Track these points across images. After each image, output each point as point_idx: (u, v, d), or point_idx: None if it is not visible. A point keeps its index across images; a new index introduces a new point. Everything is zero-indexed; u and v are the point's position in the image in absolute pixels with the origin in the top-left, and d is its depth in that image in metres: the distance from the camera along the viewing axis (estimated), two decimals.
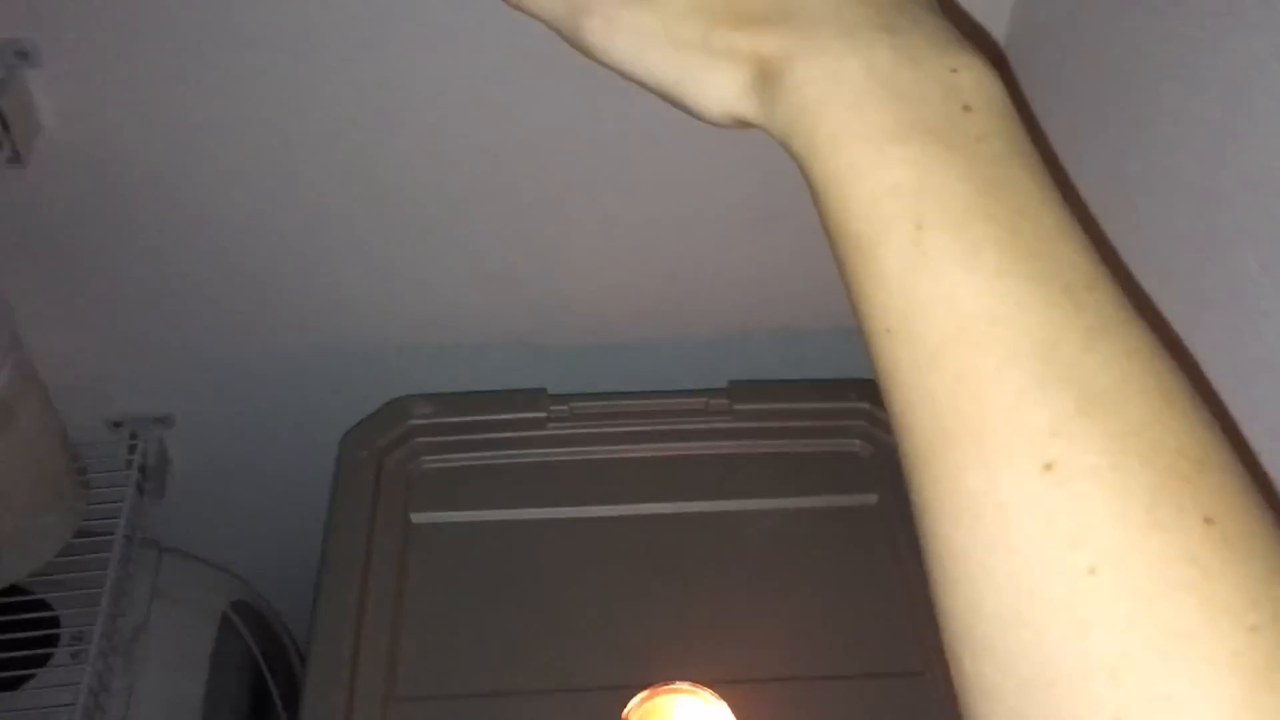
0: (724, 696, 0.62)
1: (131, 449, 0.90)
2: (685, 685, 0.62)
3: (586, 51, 0.32)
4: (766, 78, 0.29)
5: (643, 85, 0.32)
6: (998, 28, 0.69)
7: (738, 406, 0.83)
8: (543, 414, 0.82)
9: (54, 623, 0.85)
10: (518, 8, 0.33)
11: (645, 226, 0.82)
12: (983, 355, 0.25)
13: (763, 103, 0.29)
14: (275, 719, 0.97)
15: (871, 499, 0.79)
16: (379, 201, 0.78)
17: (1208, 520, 0.23)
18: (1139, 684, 0.22)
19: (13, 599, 0.84)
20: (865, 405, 0.83)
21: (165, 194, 0.76)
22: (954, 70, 0.28)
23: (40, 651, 0.81)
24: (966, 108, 0.28)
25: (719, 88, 0.30)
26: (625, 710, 0.61)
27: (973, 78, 0.28)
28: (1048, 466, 0.24)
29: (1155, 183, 0.53)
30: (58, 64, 0.67)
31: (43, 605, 0.86)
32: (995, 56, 0.70)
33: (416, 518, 0.77)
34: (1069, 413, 0.24)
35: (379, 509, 0.77)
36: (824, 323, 0.88)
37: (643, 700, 0.61)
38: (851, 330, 0.92)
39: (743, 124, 0.31)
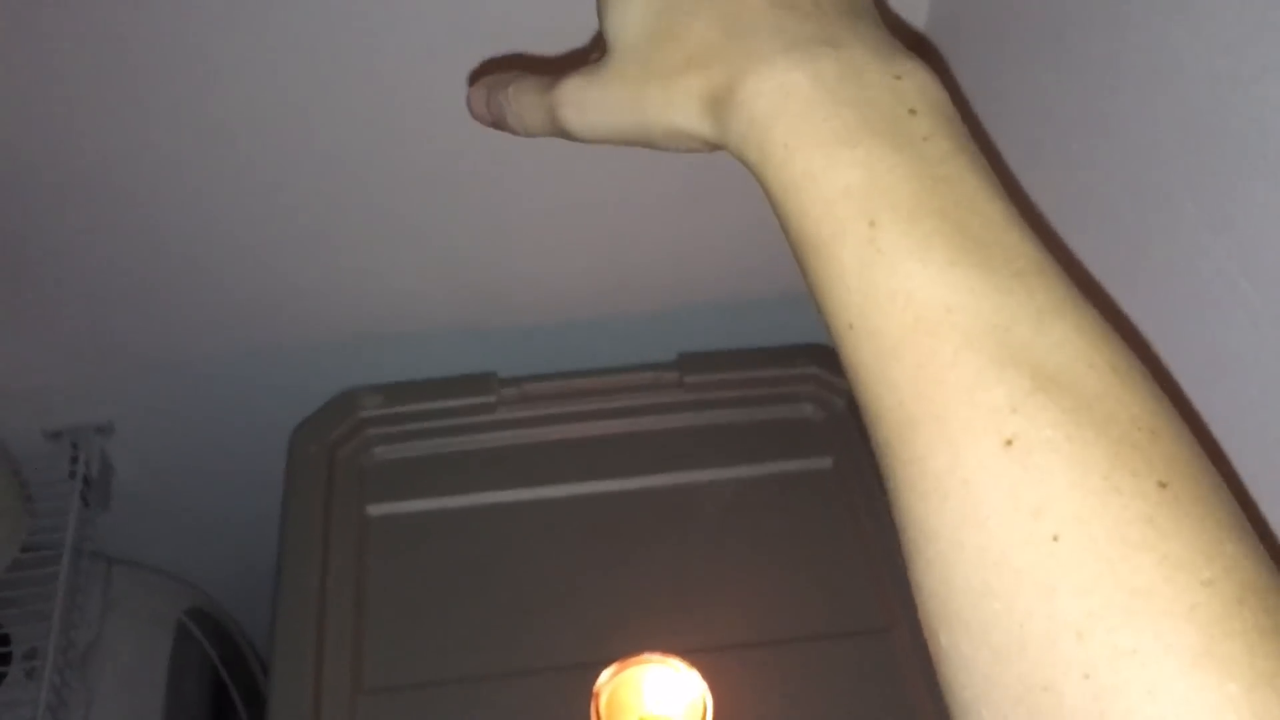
0: (694, 665, 0.62)
1: (73, 460, 0.88)
2: (655, 656, 0.62)
3: (571, 136, 0.36)
4: (720, 101, 0.30)
5: (623, 144, 0.35)
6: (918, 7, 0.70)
7: (688, 379, 0.83)
8: (493, 398, 0.81)
9: (4, 640, 0.83)
10: (516, 131, 0.39)
11: (587, 203, 0.81)
12: (940, 342, 0.26)
13: (719, 123, 0.31)
14: None
15: (826, 462, 0.79)
16: (317, 192, 0.77)
17: (1161, 484, 0.24)
18: (1104, 641, 0.23)
19: None
20: (815, 370, 0.83)
21: (96, 191, 0.74)
22: (898, 77, 0.30)
23: None
24: (911, 111, 0.29)
25: (680, 123, 0.32)
26: (596, 685, 0.61)
27: (915, 83, 0.30)
28: (1008, 442, 0.25)
29: (1089, 131, 0.54)
30: None
31: None
32: (916, 38, 0.71)
33: (372, 510, 0.77)
34: (1025, 390, 0.25)
35: (333, 503, 0.76)
36: (770, 291, 0.89)
37: (613, 674, 0.61)
38: (798, 297, 0.92)
39: (711, 146, 0.32)
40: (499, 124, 0.39)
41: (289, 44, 0.68)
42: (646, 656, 0.62)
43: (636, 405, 0.82)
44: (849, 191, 0.28)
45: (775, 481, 0.79)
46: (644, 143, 0.34)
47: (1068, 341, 0.26)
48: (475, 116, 0.40)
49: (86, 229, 0.76)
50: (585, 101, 0.34)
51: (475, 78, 0.42)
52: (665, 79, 0.32)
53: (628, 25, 0.33)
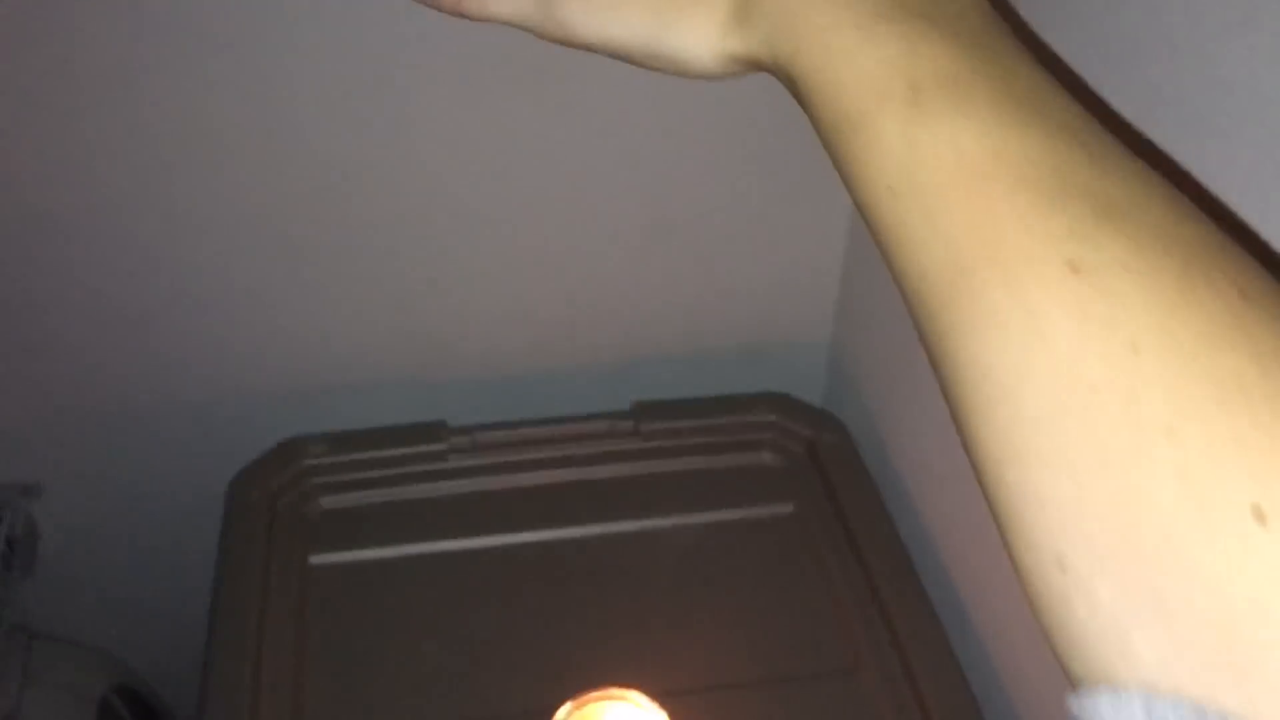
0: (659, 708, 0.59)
1: None
2: (616, 691, 0.58)
3: (564, 33, 0.33)
4: (746, 3, 0.30)
5: (623, 54, 0.32)
6: None
7: (644, 427, 0.81)
8: (444, 446, 0.79)
9: None
10: (483, 18, 0.34)
11: (537, 251, 0.80)
12: (993, 184, 0.25)
13: (745, 27, 0.30)
14: None
15: (787, 508, 0.77)
16: (258, 235, 0.75)
17: (1242, 293, 0.23)
18: (1199, 435, 0.21)
19: None
20: (773, 418, 0.82)
21: (30, 233, 0.72)
22: None
23: None
24: None
25: (701, 29, 0.31)
26: None
27: None
28: (1073, 267, 0.23)
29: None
30: None
31: None
32: None
33: (315, 559, 0.73)
34: (1087, 218, 0.24)
35: (274, 552, 0.72)
36: (725, 340, 0.88)
37: (571, 710, 0.57)
38: (754, 348, 0.91)
39: (730, 64, 0.31)
40: (440, 2, 0.35)
41: (234, 87, 0.68)
42: (609, 692, 0.58)
43: (592, 453, 0.79)
44: (889, 60, 0.27)
45: (736, 527, 0.76)
46: (645, 53, 0.32)
47: (1124, 181, 0.25)
48: None
49: (21, 273, 0.74)
50: None
51: None
52: None
53: None
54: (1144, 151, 0.28)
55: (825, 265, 0.87)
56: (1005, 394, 0.23)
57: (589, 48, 0.33)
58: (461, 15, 0.35)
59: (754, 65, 0.31)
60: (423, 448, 0.78)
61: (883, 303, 0.82)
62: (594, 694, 0.58)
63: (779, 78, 0.31)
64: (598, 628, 0.70)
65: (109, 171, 0.70)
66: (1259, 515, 0.20)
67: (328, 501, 0.76)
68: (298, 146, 0.72)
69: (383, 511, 0.76)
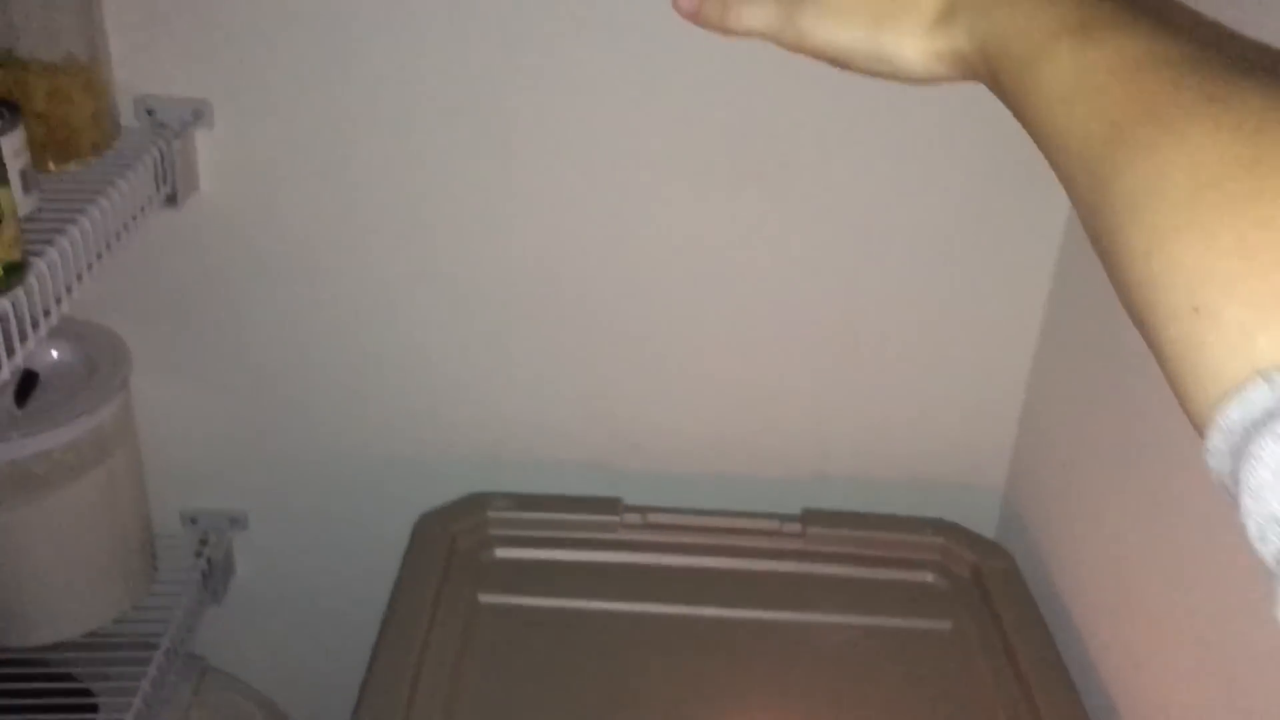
0: None
1: (203, 542, 0.91)
2: None
3: (801, 39, 0.40)
4: (951, 7, 0.37)
5: (847, 57, 0.39)
6: None
7: (810, 531, 0.83)
8: (616, 519, 0.82)
9: (94, 709, 0.83)
10: (733, 31, 0.42)
11: (730, 360, 0.86)
12: (1145, 71, 0.30)
13: (948, 25, 0.37)
14: None
15: (945, 624, 0.77)
16: (470, 312, 0.84)
17: None
18: None
19: (59, 684, 0.82)
20: (940, 540, 0.82)
21: (255, 283, 0.83)
22: None
23: None
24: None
25: (912, 31, 0.37)
26: None
27: None
28: (1209, 98, 0.28)
29: None
30: (226, 129, 0.76)
31: (87, 693, 0.84)
32: None
33: (484, 598, 0.76)
34: (1221, 78, 0.28)
35: (446, 587, 0.76)
36: (897, 473, 0.90)
37: None
38: (928, 482, 0.92)
39: (936, 62, 0.37)
40: (706, 18, 0.42)
41: (457, 176, 0.79)
42: None
43: (757, 547, 0.82)
44: (1063, 15, 0.33)
45: (891, 634, 0.76)
46: (866, 54, 0.38)
47: (1261, 70, 0.28)
48: (681, 7, 0.42)
49: (273, 313, 0.84)
50: (826, 4, 0.39)
51: None
52: (903, 2, 0.38)
53: None
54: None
55: (1003, 412, 0.89)
56: (1154, 194, 0.27)
57: (820, 52, 0.40)
58: (723, 29, 0.42)
59: (957, 60, 0.37)
60: (598, 517, 0.82)
61: (1058, 449, 0.83)
62: None
63: (977, 72, 0.36)
64: (738, 704, 0.70)
65: (351, 250, 0.81)
66: None
67: (502, 552, 0.80)
68: (514, 233, 0.81)
69: (552, 569, 0.79)
